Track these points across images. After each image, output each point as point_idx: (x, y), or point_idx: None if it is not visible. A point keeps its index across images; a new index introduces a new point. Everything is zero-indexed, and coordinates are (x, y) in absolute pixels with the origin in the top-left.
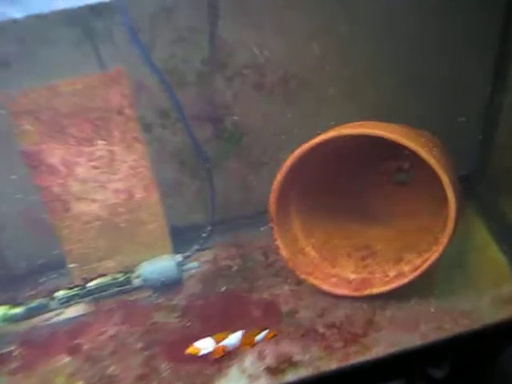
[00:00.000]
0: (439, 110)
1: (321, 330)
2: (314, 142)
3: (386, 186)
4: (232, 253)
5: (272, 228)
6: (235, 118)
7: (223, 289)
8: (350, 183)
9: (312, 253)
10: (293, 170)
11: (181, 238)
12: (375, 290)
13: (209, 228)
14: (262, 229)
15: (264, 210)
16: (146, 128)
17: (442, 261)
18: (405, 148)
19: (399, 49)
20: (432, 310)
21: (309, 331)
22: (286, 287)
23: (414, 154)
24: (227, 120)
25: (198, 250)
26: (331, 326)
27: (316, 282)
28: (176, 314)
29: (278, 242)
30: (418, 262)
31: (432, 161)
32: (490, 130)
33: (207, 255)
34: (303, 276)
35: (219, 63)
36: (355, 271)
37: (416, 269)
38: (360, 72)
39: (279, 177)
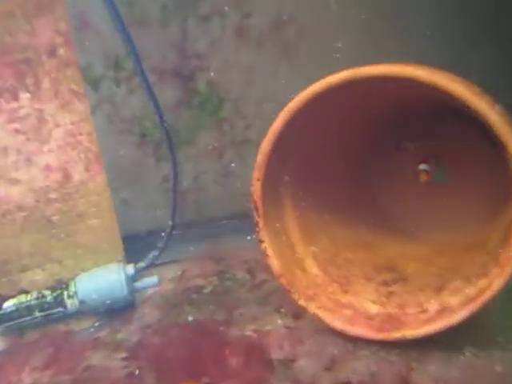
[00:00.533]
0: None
1: None
2: (316, 89)
3: (416, 185)
4: (206, 267)
5: (257, 224)
6: (211, 74)
7: (190, 319)
8: (365, 174)
9: (314, 269)
10: (286, 136)
11: (138, 243)
12: (409, 333)
13: (169, 224)
14: (248, 237)
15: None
16: (93, 83)
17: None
18: (453, 100)
19: None
20: (498, 368)
21: None
22: (279, 321)
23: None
24: (200, 78)
25: (156, 260)
26: None
27: (321, 312)
28: (121, 355)
29: (267, 246)
30: (472, 291)
31: (496, 118)
32: None
33: (172, 270)
34: (302, 301)
35: None
36: (377, 301)
37: (469, 301)
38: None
39: (266, 144)
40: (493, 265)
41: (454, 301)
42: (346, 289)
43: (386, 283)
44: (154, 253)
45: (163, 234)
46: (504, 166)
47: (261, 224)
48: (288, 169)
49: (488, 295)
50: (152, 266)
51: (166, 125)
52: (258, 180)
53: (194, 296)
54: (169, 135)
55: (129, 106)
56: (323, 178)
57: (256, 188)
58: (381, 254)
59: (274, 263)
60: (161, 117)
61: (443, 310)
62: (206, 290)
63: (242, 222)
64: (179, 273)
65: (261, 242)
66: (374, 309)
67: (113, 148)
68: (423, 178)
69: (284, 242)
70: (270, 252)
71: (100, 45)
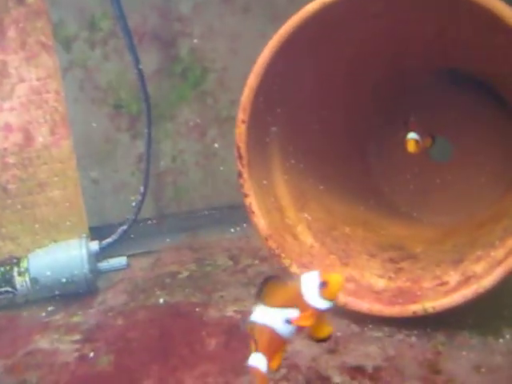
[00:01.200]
0: None
1: (337, 379)
2: (309, 9)
3: (420, 164)
4: (183, 256)
5: (240, 174)
6: (195, 41)
7: (161, 301)
8: (366, 148)
9: (308, 238)
10: (275, 72)
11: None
12: (430, 305)
13: (139, 198)
14: (232, 230)
15: (239, 202)
16: (64, 43)
17: None
18: None
19: None
20: None
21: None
22: None
23: None
24: (183, 43)
25: (125, 235)
26: (354, 373)
27: None
28: (74, 338)
29: (252, 201)
30: (500, 253)
31: None
32: None
33: (145, 259)
34: (295, 268)
35: None
36: (384, 275)
37: (498, 264)
38: None
39: (253, 79)
40: None
41: (478, 268)
42: (345, 262)
43: (392, 260)
44: (123, 227)
45: (134, 204)
46: None
47: (245, 175)
48: (276, 117)
49: None
50: (121, 240)
51: (146, 97)
52: (243, 122)
53: (168, 280)
54: (149, 109)
55: (104, 72)
56: (317, 138)
57: (241, 131)
58: (383, 234)
59: (261, 222)
60: (143, 86)
61: (468, 279)
62: (182, 275)
63: (225, 213)
64: (152, 261)
65: (245, 196)
66: (380, 283)
67: (83, 119)
68: (412, 148)
69: (272, 203)
70: (255, 208)
71: (75, 0)
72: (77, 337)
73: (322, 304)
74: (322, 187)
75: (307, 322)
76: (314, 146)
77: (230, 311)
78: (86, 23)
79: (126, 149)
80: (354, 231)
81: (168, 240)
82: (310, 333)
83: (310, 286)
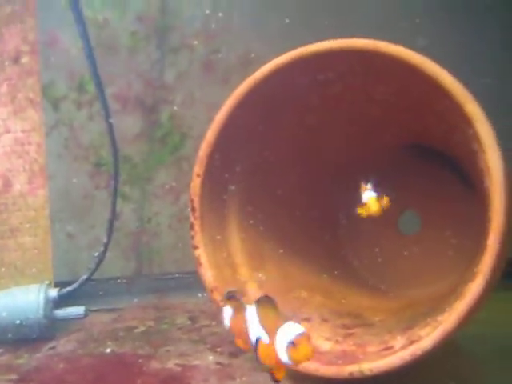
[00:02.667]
0: None
1: None
2: (264, 71)
3: (388, 237)
4: (145, 314)
5: (192, 226)
6: (175, 108)
7: (108, 351)
8: (331, 219)
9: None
10: (233, 131)
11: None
12: (368, 367)
13: (103, 242)
14: (200, 295)
15: None
16: (53, 102)
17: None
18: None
19: None
20: None
21: None
22: (211, 357)
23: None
24: (164, 110)
25: (84, 283)
26: None
27: None
28: (9, 377)
29: (201, 253)
30: (445, 317)
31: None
32: None
33: (108, 315)
34: None
35: (161, 25)
36: (332, 339)
37: (437, 327)
38: None
39: (210, 135)
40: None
41: (423, 333)
42: None
43: (345, 326)
44: (84, 276)
45: (96, 254)
46: (481, 210)
47: (197, 227)
48: (235, 175)
49: (462, 311)
50: (80, 290)
51: (115, 150)
52: (198, 176)
53: (122, 334)
54: (117, 160)
55: (87, 132)
56: (281, 203)
57: (195, 184)
58: (343, 303)
59: (208, 274)
60: (114, 146)
61: (411, 343)
62: (137, 330)
63: (196, 278)
64: (114, 316)
65: (195, 248)
66: (326, 345)
67: (65, 175)
68: (374, 206)
69: (224, 259)
70: (203, 260)
71: (66, 63)
72: (13, 376)
73: (286, 360)
74: (281, 251)
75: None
76: (277, 211)
77: (171, 364)
78: (75, 85)
79: (103, 206)
80: (311, 297)
81: (136, 300)
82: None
83: (282, 338)
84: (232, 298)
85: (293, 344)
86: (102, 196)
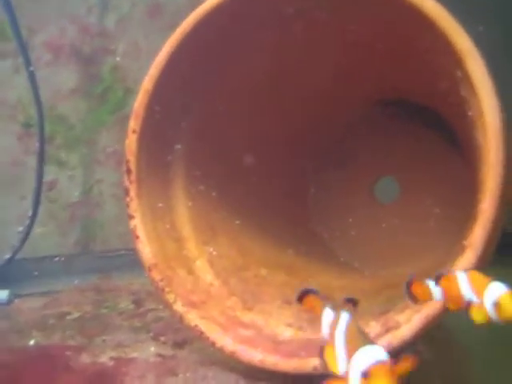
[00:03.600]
0: None
1: None
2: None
3: (365, 207)
4: (83, 297)
5: (127, 191)
6: (117, 59)
7: (31, 343)
8: (300, 184)
9: (208, 275)
10: (176, 77)
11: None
12: None
13: (27, 223)
14: None
15: None
16: None
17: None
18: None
19: None
20: None
21: None
22: (153, 349)
23: None
24: (104, 61)
25: (9, 263)
26: None
27: (205, 324)
28: None
29: (137, 224)
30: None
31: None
32: None
33: (39, 300)
34: (179, 305)
35: None
36: (294, 325)
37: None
38: None
39: (147, 82)
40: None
41: (401, 318)
42: (249, 306)
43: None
44: (6, 256)
45: (20, 228)
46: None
47: (132, 192)
48: (180, 132)
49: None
50: (4, 272)
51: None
52: (134, 132)
53: (52, 321)
54: (42, 118)
55: (13, 87)
56: (239, 166)
57: (130, 141)
58: (311, 282)
59: (146, 249)
60: (37, 100)
61: (386, 331)
62: (70, 317)
63: None
64: (47, 301)
65: (130, 217)
66: (287, 332)
67: None
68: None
69: (167, 231)
70: (141, 233)
71: None
72: None
73: None
74: (238, 222)
75: None
76: (232, 176)
77: (104, 357)
78: None
79: (33, 174)
80: (272, 274)
81: (76, 281)
82: None
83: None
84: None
85: (366, 376)
86: (33, 162)
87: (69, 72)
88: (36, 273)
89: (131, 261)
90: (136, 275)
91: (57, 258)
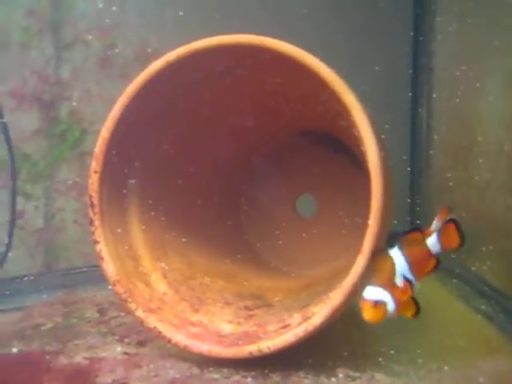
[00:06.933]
0: None
1: None
2: (154, 68)
3: (288, 219)
4: (53, 310)
5: (92, 222)
6: (73, 104)
7: (14, 350)
8: (232, 199)
9: (162, 286)
10: (128, 126)
11: None
12: (265, 345)
13: (5, 242)
14: (109, 287)
15: None
16: None
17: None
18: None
19: None
20: None
21: None
22: (119, 348)
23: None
24: (62, 106)
25: None
26: None
27: (162, 326)
28: None
29: (102, 248)
30: (335, 293)
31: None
32: None
33: (13, 314)
34: (140, 312)
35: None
36: (233, 321)
37: (326, 303)
38: None
39: (104, 131)
40: None
41: (316, 309)
42: (196, 308)
43: (247, 308)
44: None
45: None
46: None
47: (96, 222)
48: (134, 170)
49: (340, 294)
50: None
51: (12, 154)
52: (96, 172)
53: (29, 332)
54: (13, 160)
55: None
56: (181, 193)
57: (93, 181)
58: (245, 285)
59: (110, 268)
60: (9, 146)
61: (305, 320)
62: (45, 327)
63: None
64: (21, 315)
65: (96, 242)
66: (228, 328)
67: None
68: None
69: (126, 251)
70: (105, 255)
71: None
72: None
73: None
74: (184, 240)
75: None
76: (178, 201)
77: (79, 358)
78: None
79: (1, 205)
80: (214, 282)
81: (45, 296)
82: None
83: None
84: None
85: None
86: (2, 196)
87: (31, 116)
88: (7, 292)
89: (93, 276)
90: (98, 288)
91: (26, 278)
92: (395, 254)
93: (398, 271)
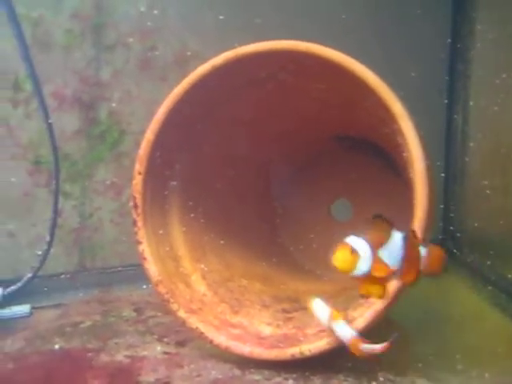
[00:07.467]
0: None
1: None
2: (201, 71)
3: (323, 224)
4: (91, 308)
5: (135, 223)
6: (113, 105)
7: (56, 347)
8: (268, 208)
9: (202, 287)
10: (172, 129)
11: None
12: (307, 348)
13: (47, 241)
14: (144, 286)
15: None
16: None
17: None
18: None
19: None
20: None
21: None
22: (159, 348)
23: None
24: (101, 107)
25: (30, 282)
26: None
27: (204, 326)
28: None
29: (145, 248)
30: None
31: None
32: None
33: (53, 311)
34: (182, 312)
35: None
36: (273, 323)
37: (367, 309)
38: None
39: (149, 133)
40: None
41: (356, 314)
42: (236, 310)
43: (284, 310)
44: (28, 274)
45: (39, 252)
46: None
47: (139, 223)
48: (175, 172)
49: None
50: (25, 289)
51: (57, 154)
52: (140, 174)
53: (68, 329)
54: (57, 160)
55: (24, 131)
56: (220, 196)
57: (137, 182)
58: (282, 288)
59: (152, 268)
60: (54, 144)
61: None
62: (84, 325)
63: (139, 270)
64: (59, 312)
65: (138, 243)
66: (267, 330)
67: (3, 174)
68: None
69: (167, 252)
70: (147, 255)
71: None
72: None
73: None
74: (222, 242)
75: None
76: (217, 204)
77: (120, 356)
78: (9, 84)
79: (43, 203)
80: (251, 284)
81: (81, 294)
82: None
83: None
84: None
85: None
86: (42, 194)
87: (72, 117)
88: (45, 289)
89: (128, 276)
90: (133, 288)
91: (63, 276)
92: (398, 238)
93: (390, 250)
